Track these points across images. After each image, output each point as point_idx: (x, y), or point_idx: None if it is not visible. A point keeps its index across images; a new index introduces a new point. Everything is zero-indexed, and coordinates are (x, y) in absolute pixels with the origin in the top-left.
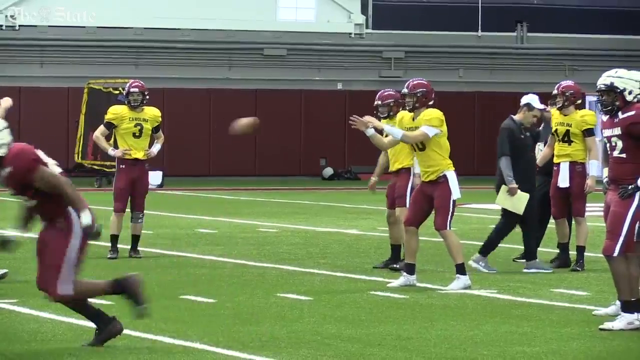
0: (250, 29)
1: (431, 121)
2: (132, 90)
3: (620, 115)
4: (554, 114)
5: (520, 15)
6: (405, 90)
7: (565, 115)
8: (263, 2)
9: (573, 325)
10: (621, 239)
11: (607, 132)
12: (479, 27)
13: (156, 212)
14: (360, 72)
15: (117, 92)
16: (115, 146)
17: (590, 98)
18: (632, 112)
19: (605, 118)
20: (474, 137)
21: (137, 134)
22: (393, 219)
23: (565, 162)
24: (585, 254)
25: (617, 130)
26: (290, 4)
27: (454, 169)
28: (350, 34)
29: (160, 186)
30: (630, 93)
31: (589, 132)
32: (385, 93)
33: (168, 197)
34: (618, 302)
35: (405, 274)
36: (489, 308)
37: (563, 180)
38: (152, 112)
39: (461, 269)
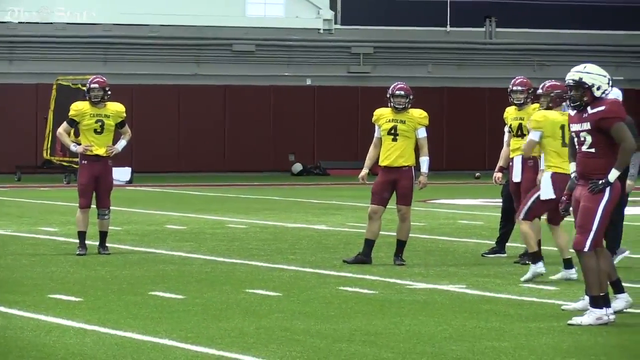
0: (219, 25)
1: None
2: (92, 86)
3: (590, 110)
4: (510, 111)
5: (489, 10)
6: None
7: (519, 111)
8: None
9: (542, 320)
10: (592, 234)
11: (576, 127)
12: (448, 23)
13: (125, 209)
14: (329, 67)
15: (85, 88)
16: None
17: None
18: (602, 107)
19: (573, 113)
20: (442, 132)
21: (98, 130)
22: (377, 215)
23: (519, 157)
24: (553, 248)
25: (586, 125)
26: None
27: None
28: (319, 29)
29: (129, 182)
30: (598, 89)
31: None
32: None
33: (137, 193)
34: (586, 297)
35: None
36: (458, 303)
37: (516, 175)
38: (114, 108)
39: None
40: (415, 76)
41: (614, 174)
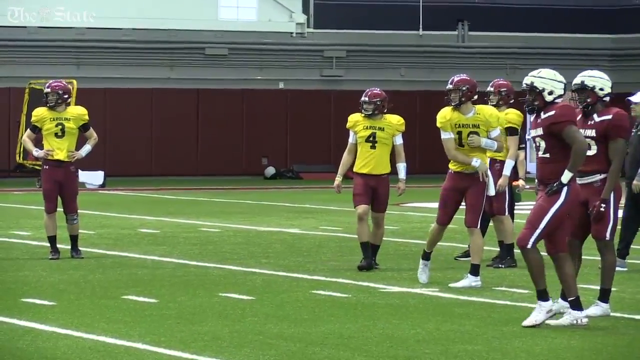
0: (192, 28)
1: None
2: (46, 90)
3: (542, 116)
4: None
5: (461, 14)
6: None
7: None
8: (204, 1)
9: (515, 324)
10: (538, 231)
11: (532, 133)
12: (420, 26)
13: (98, 212)
14: (301, 71)
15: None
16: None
17: None
18: (552, 112)
19: (532, 118)
20: (415, 135)
21: (59, 134)
22: (368, 215)
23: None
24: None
25: (540, 131)
26: (232, 3)
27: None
28: (291, 33)
29: (102, 186)
30: (550, 93)
31: (511, 131)
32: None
33: (110, 197)
34: (560, 300)
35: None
36: (431, 307)
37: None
38: (75, 111)
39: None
40: (388, 79)
41: (567, 176)
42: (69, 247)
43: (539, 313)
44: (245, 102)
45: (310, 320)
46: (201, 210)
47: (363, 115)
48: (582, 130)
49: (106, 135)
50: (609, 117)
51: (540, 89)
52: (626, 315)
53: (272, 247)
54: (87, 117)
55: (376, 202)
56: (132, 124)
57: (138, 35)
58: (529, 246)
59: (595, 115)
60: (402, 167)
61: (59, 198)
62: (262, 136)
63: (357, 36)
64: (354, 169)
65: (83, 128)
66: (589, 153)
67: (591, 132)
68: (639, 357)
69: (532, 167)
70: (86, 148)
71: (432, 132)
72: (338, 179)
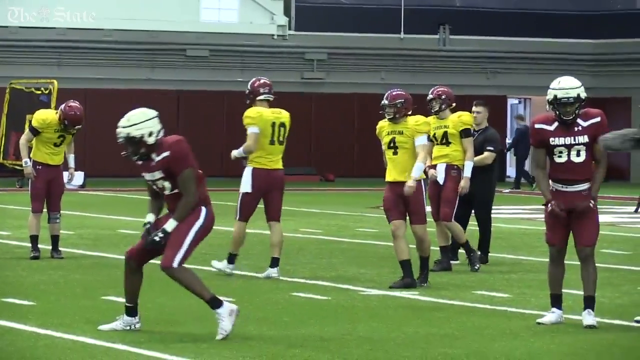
0: (173, 30)
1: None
2: (77, 127)
3: (584, 123)
4: (431, 121)
5: (443, 17)
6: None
7: (441, 119)
8: (186, 3)
9: (494, 327)
10: (182, 251)
11: (569, 141)
12: (402, 30)
13: (78, 213)
14: (282, 73)
15: (39, 92)
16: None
17: (512, 101)
18: (599, 119)
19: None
20: None
21: (58, 144)
22: (401, 231)
23: (442, 164)
24: (506, 255)
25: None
26: (213, 5)
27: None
28: (273, 35)
29: (82, 187)
30: (150, 135)
31: (466, 133)
32: (395, 92)
33: (90, 197)
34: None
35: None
36: (411, 310)
37: (440, 178)
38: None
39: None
40: (369, 83)
41: (170, 224)
42: (49, 247)
43: (223, 321)
44: (226, 104)
45: (290, 322)
46: None
47: (387, 120)
48: (567, 139)
49: (86, 136)
50: (598, 119)
51: (139, 136)
52: (606, 320)
53: (253, 249)
54: (80, 127)
55: (409, 213)
56: (112, 124)
57: (119, 36)
58: (174, 265)
59: (580, 121)
60: (414, 167)
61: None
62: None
63: (338, 39)
64: (385, 178)
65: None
66: (578, 160)
67: (583, 139)
68: None
69: (511, 172)
70: (72, 160)
71: None
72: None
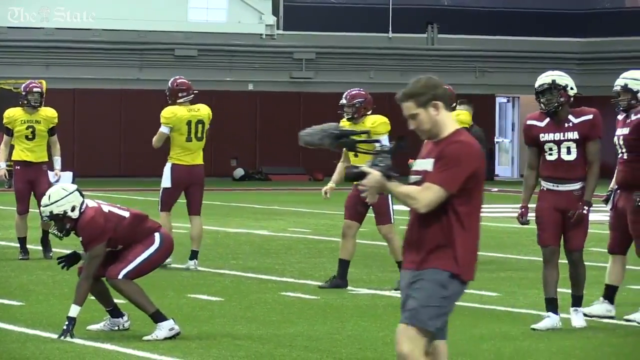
0: (161, 30)
1: None
2: (35, 90)
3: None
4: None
5: (431, 16)
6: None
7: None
8: (174, 3)
9: (483, 326)
10: (131, 266)
11: (619, 132)
12: (390, 29)
13: None
14: (271, 73)
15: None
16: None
17: (501, 99)
18: None
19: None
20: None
21: (29, 137)
22: (352, 231)
23: None
24: (495, 254)
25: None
26: (201, 4)
27: None
28: (261, 34)
29: None
30: (73, 210)
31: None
32: (354, 92)
33: None
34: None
35: None
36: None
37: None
38: (45, 113)
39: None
40: (357, 82)
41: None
42: (39, 247)
43: (160, 330)
44: (215, 103)
45: (279, 321)
46: None
47: (346, 119)
48: (557, 135)
49: (75, 136)
50: (590, 117)
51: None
52: (595, 319)
53: (241, 249)
54: (56, 121)
55: (374, 213)
56: (101, 124)
57: (107, 35)
58: (119, 277)
59: (571, 117)
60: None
61: (31, 199)
62: (232, 138)
63: (326, 38)
64: None
65: (50, 131)
66: (569, 158)
67: (572, 135)
68: None
69: (499, 170)
70: (58, 161)
71: (400, 134)
72: (330, 184)
